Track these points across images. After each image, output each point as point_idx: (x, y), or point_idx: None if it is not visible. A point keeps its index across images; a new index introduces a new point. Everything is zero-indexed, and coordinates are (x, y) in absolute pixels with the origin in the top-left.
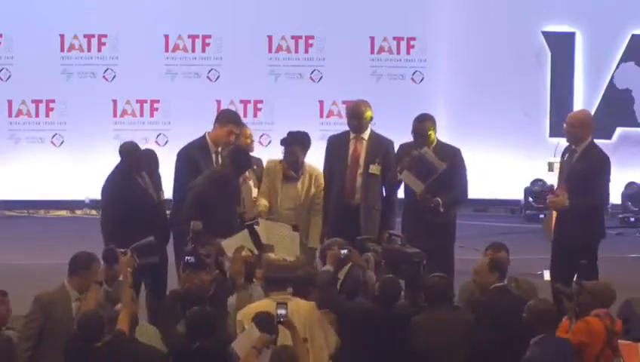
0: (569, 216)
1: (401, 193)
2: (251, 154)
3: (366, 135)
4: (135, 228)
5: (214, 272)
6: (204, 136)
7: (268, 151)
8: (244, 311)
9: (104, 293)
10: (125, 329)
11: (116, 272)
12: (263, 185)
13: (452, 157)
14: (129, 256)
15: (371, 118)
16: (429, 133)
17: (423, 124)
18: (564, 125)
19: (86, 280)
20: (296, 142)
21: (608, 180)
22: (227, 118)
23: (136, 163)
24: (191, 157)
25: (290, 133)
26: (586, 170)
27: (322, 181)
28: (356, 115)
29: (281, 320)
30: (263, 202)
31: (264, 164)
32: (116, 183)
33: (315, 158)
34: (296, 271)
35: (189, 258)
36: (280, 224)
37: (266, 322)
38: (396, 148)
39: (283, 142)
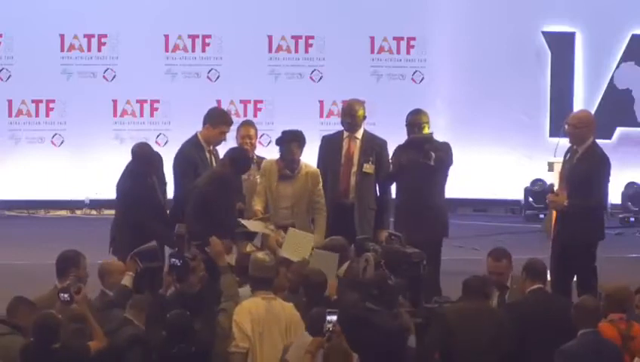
0: (568, 216)
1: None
2: (256, 152)
3: (359, 134)
4: (147, 233)
5: (200, 274)
6: (195, 136)
7: (268, 151)
8: (239, 311)
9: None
10: (91, 348)
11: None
12: (259, 186)
13: (445, 148)
14: (83, 295)
15: (365, 117)
16: (423, 124)
17: (417, 116)
18: (566, 126)
19: (77, 278)
20: (293, 140)
21: (608, 181)
22: (219, 120)
23: (150, 166)
24: (189, 158)
25: (285, 132)
26: (586, 170)
27: (320, 179)
28: (349, 114)
29: (331, 328)
30: (259, 202)
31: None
32: (135, 188)
33: (314, 158)
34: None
35: (174, 260)
36: (304, 233)
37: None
38: (391, 147)
39: (279, 141)
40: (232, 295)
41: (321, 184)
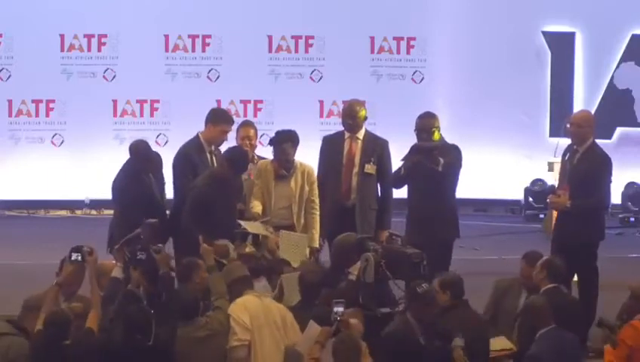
0: (569, 216)
1: (402, 193)
2: (256, 152)
3: (361, 135)
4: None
5: (164, 271)
6: (197, 136)
7: (268, 151)
8: (234, 307)
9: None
10: (94, 327)
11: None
12: (255, 188)
13: (450, 153)
14: (94, 256)
15: (366, 118)
16: (433, 129)
17: (426, 120)
18: (568, 125)
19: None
20: (287, 140)
21: (610, 181)
22: (220, 118)
23: (146, 163)
24: (189, 158)
25: (278, 132)
26: (587, 170)
27: (315, 177)
28: (351, 115)
29: (338, 318)
30: (257, 205)
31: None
32: (131, 186)
33: (314, 158)
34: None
35: (140, 254)
36: (296, 234)
37: (324, 317)
38: (392, 148)
39: (272, 141)
40: (221, 292)
41: (316, 183)
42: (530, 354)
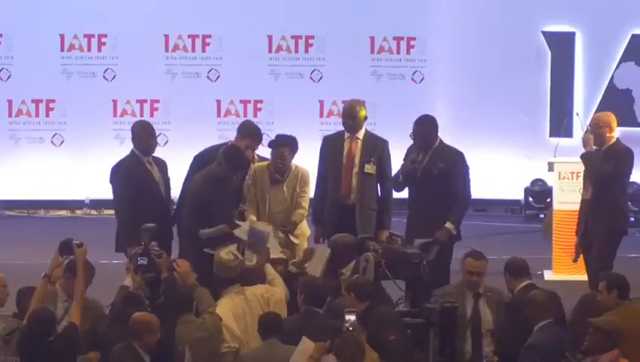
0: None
1: (402, 193)
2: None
3: (361, 135)
4: (142, 216)
5: (166, 274)
6: (226, 144)
7: (268, 152)
8: (222, 314)
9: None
10: (77, 321)
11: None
12: (249, 194)
13: (451, 157)
14: (84, 248)
15: (366, 118)
16: (428, 135)
17: (420, 126)
18: (588, 127)
19: (72, 282)
20: (285, 144)
21: (626, 166)
22: (247, 132)
23: (145, 143)
24: (207, 163)
25: (278, 136)
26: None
27: (308, 180)
28: (351, 115)
29: (350, 327)
30: (252, 211)
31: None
32: (124, 166)
33: (314, 158)
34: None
35: (140, 259)
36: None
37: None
38: (391, 147)
39: (271, 143)
40: (210, 304)
41: (308, 186)
42: (529, 344)
